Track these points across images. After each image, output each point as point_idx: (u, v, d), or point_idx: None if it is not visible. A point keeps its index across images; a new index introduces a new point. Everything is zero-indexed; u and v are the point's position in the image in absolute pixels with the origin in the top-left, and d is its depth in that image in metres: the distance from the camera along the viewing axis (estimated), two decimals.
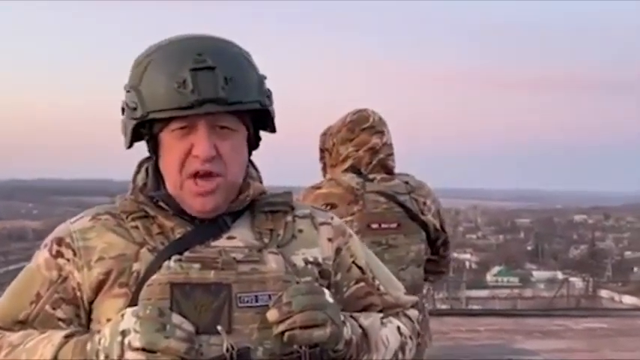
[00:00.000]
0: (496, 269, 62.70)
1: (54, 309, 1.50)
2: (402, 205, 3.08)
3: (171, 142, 1.48)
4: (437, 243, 3.22)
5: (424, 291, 3.32)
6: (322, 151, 3.28)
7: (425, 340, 3.16)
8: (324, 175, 3.27)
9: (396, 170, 3.22)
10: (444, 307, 20.71)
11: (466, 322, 10.44)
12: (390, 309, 1.65)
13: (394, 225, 3.06)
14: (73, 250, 1.51)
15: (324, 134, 3.27)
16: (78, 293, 1.50)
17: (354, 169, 3.14)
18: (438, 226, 3.16)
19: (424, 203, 3.13)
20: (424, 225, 3.11)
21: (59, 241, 1.52)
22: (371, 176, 3.12)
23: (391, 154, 3.18)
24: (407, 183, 3.14)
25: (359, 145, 3.15)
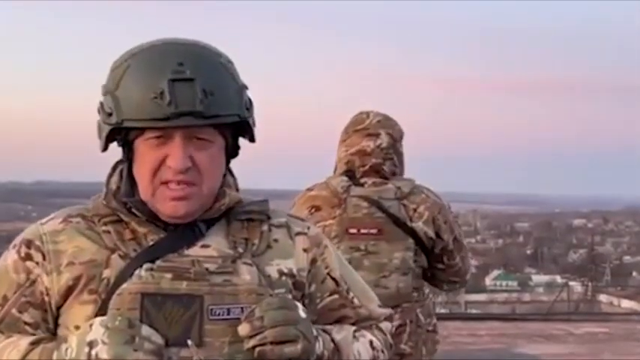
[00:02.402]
0: (495, 273, 62.71)
1: (20, 312, 1.47)
2: (385, 210, 3.01)
3: (145, 150, 1.45)
4: (435, 251, 3.11)
5: (428, 300, 3.22)
6: None
7: (419, 349, 3.08)
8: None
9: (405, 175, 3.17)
10: (443, 310, 20.69)
11: (466, 326, 10.41)
12: (363, 322, 1.63)
13: (374, 230, 3.00)
14: (43, 254, 1.47)
15: None
16: (46, 298, 1.46)
17: (348, 173, 3.10)
18: (431, 233, 3.05)
19: (415, 210, 3.04)
20: (412, 232, 3.03)
21: (28, 244, 1.49)
22: (362, 180, 3.07)
23: (388, 158, 3.11)
24: (399, 188, 3.05)
25: (349, 146, 3.12)
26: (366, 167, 3.09)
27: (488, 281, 60.16)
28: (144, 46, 1.47)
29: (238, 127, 1.51)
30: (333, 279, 1.61)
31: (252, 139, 1.53)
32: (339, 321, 1.60)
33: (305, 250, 1.58)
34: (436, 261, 3.14)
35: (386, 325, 1.68)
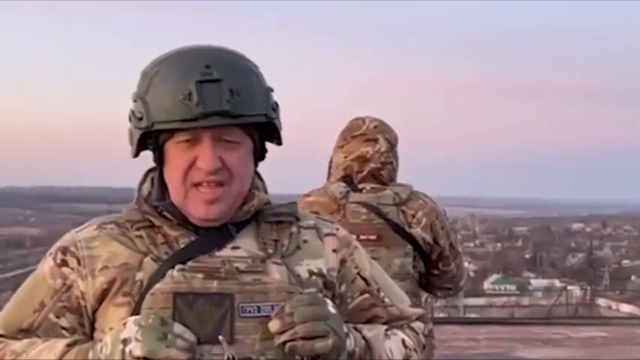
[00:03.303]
0: (494, 277, 62.79)
1: (57, 317, 1.50)
2: (384, 216, 3.00)
3: (176, 153, 1.48)
4: (432, 257, 3.11)
5: (426, 305, 3.24)
6: (331, 160, 3.25)
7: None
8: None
9: (401, 180, 3.17)
10: (441, 315, 20.70)
11: (465, 330, 10.43)
12: (394, 321, 1.64)
13: (373, 237, 2.98)
14: (78, 259, 1.51)
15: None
16: (82, 302, 1.50)
17: (346, 179, 3.10)
18: (429, 239, 3.06)
19: (413, 215, 3.03)
20: (411, 238, 3.03)
21: (64, 250, 1.52)
22: (360, 186, 3.07)
23: (387, 163, 3.10)
24: (397, 194, 3.05)
25: (348, 152, 3.10)
26: (364, 172, 3.08)
27: (486, 285, 60.24)
28: (171, 52, 1.51)
29: (265, 130, 1.53)
30: (364, 279, 1.62)
31: (279, 142, 1.56)
32: (371, 321, 1.61)
33: (334, 251, 1.60)
34: (432, 267, 3.15)
35: (418, 325, 1.68)
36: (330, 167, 3.25)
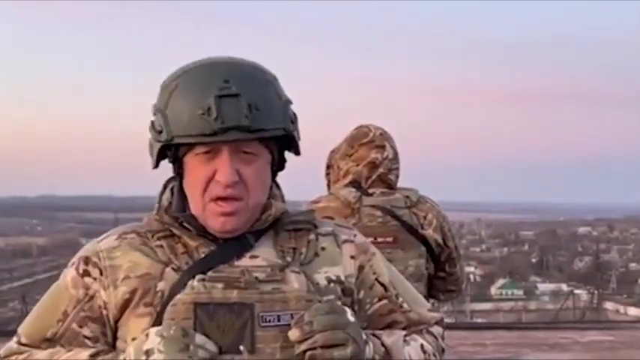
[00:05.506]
0: (500, 282, 62.72)
1: (80, 327, 1.52)
2: (399, 219, 3.04)
3: (195, 165, 1.50)
4: (441, 259, 3.16)
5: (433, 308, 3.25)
6: (328, 167, 3.29)
7: None
8: (329, 191, 3.25)
9: (403, 184, 3.20)
10: (448, 320, 20.68)
11: (472, 335, 10.38)
12: (414, 326, 1.65)
13: (390, 239, 3.02)
14: (100, 269, 1.53)
15: (332, 151, 3.27)
16: (104, 312, 1.52)
17: (354, 184, 3.13)
18: (440, 241, 3.11)
19: (424, 217, 3.08)
20: (424, 239, 3.07)
21: (86, 260, 1.55)
22: (370, 190, 3.10)
23: (393, 169, 3.16)
24: (407, 197, 3.10)
25: (358, 160, 3.14)
26: (373, 178, 3.12)
27: (493, 290, 60.27)
28: (190, 65, 1.53)
29: (284, 141, 1.56)
30: (382, 284, 1.63)
31: (297, 153, 1.58)
32: (390, 326, 1.63)
33: (352, 257, 1.61)
34: (438, 269, 3.19)
35: (437, 329, 1.69)
36: (328, 174, 3.29)
